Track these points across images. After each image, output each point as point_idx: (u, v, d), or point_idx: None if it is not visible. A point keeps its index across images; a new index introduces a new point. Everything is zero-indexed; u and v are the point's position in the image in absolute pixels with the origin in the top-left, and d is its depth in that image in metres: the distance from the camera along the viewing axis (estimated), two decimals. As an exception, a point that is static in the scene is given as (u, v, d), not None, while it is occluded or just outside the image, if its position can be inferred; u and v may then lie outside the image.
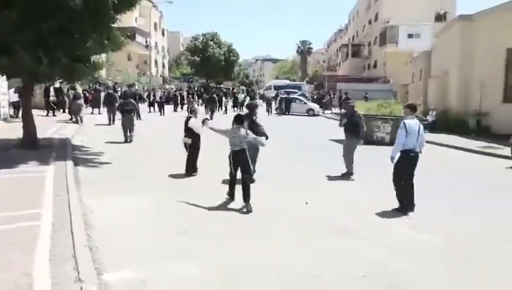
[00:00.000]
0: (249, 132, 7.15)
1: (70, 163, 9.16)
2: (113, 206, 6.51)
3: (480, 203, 7.75)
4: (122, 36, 11.63)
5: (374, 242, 5.45)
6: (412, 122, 6.85)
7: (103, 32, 10.49)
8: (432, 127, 17.97)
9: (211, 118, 23.11)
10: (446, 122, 19.51)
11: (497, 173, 11.19)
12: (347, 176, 9.53)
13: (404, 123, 6.82)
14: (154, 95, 28.97)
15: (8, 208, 5.65)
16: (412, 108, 7.16)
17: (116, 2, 9.81)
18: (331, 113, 30.41)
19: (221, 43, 58.32)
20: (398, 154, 6.91)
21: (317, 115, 29.51)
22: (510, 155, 12.09)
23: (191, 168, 8.98)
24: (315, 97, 37.28)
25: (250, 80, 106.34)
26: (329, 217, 6.50)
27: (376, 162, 11.02)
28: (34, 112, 11.70)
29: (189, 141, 8.87)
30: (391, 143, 14.68)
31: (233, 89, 48.12)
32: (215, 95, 28.22)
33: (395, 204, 6.91)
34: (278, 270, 4.48)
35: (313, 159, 12.10)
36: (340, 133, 15.40)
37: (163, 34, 64.00)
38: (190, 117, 9.03)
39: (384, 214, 6.70)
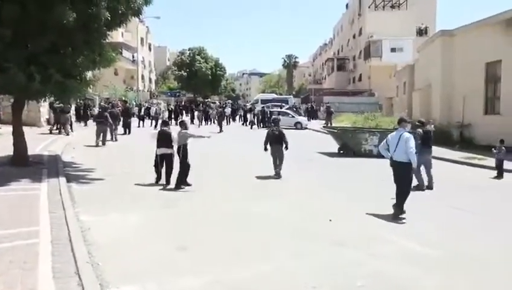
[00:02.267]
0: (188, 131, 9.52)
1: (63, 180, 9.12)
2: (110, 223, 6.54)
3: (469, 213, 8.02)
4: (113, 52, 11.75)
5: (368, 252, 5.61)
6: (394, 134, 7.62)
7: (95, 49, 10.59)
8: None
9: (221, 131, 24.44)
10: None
11: (483, 183, 11.56)
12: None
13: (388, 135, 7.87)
14: (148, 109, 29.18)
15: (6, 226, 5.63)
16: (398, 122, 7.97)
17: (109, 18, 9.92)
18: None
19: (208, 58, 58.81)
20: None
21: (305, 128, 29.83)
22: (494, 166, 12.47)
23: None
24: (308, 109, 37.98)
25: (236, 94, 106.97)
26: (324, 228, 6.66)
27: (365, 173, 11.30)
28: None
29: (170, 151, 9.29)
30: (379, 155, 15.25)
31: (220, 102, 48.53)
32: (225, 110, 29.96)
33: (384, 212, 7.27)
34: (278, 282, 4.59)
35: (309, 171, 12.31)
36: (327, 146, 15.67)
37: (150, 49, 64.13)
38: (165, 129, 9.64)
39: (375, 224, 6.89)
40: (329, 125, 28.14)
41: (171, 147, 9.31)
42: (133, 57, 50.70)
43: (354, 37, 52.27)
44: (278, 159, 11.06)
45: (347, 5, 57.19)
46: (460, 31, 20.19)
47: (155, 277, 4.55)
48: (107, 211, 7.13)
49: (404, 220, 7.13)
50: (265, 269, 4.90)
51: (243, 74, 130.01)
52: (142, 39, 56.84)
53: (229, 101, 59.91)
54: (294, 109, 37.54)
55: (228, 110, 32.85)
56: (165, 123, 10.30)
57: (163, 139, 9.32)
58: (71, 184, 9.08)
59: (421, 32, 43.56)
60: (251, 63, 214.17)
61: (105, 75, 40.77)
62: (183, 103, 46.14)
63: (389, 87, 36.64)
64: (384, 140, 7.84)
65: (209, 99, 58.03)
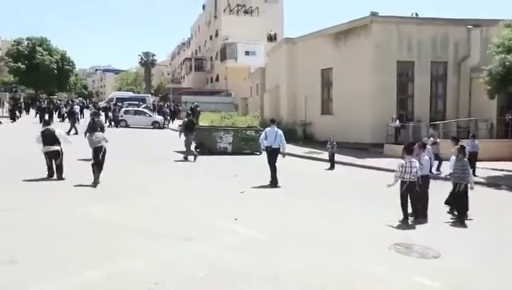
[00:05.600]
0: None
1: None
2: None
3: (301, 199, 9.06)
4: None
5: (209, 243, 5.81)
6: (270, 130, 10.66)
7: None
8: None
9: (76, 132, 20.31)
10: (279, 132, 21.92)
11: (319, 174, 13.19)
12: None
13: None
14: None
15: None
16: (271, 121, 11.12)
17: None
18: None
19: (52, 50, 52.52)
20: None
21: (164, 128, 29.24)
22: (327, 158, 14.37)
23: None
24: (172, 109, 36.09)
25: (89, 91, 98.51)
26: (165, 223, 6.70)
27: (220, 170, 11.70)
28: None
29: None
30: (233, 153, 16.04)
31: (68, 100, 43.96)
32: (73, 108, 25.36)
33: (232, 205, 7.72)
34: (119, 282, 4.41)
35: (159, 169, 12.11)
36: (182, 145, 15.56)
37: (-26, 35, 54.05)
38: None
39: (219, 216, 7.20)
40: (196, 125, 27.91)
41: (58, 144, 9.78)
42: None
43: (210, 38, 53.55)
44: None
45: (204, 6, 58.21)
46: (301, 39, 22.63)
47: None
48: None
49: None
50: (100, 275, 4.63)
51: (96, 70, 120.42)
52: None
53: (80, 98, 54.91)
54: (157, 108, 36.14)
55: (77, 108, 30.04)
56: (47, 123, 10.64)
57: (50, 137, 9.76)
58: None
59: (271, 38, 47.20)
60: (105, 59, 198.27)
61: None
62: (21, 100, 40.32)
63: (244, 88, 38.72)
64: (263, 133, 10.93)
65: (55, 96, 52.06)
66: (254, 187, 10.06)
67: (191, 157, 14.19)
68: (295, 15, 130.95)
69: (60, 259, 5.05)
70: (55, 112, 29.58)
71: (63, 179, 9.62)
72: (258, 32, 45.80)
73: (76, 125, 20.56)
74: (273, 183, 10.31)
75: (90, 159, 9.51)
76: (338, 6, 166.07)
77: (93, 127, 12.70)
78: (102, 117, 22.84)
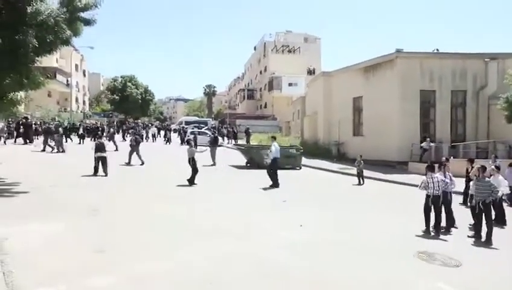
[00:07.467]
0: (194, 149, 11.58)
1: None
2: (30, 232, 5.80)
3: (335, 209, 8.76)
4: (42, 76, 10.64)
5: (257, 242, 5.78)
6: (277, 145, 11.91)
7: (22, 72, 9.49)
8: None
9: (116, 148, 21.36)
10: (317, 150, 21.56)
11: (349, 187, 12.74)
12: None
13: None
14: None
15: None
16: (274, 138, 12.70)
17: (36, 46, 8.99)
18: (233, 144, 30.84)
19: (138, 85, 56.13)
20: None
21: (221, 146, 29.80)
22: (356, 174, 13.80)
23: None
24: (229, 130, 36.57)
25: (164, 116, 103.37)
26: (219, 223, 6.74)
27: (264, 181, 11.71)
28: None
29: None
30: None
31: (148, 123, 46.46)
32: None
33: (271, 210, 7.78)
34: (180, 276, 4.49)
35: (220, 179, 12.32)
36: (238, 161, 15.81)
37: (84, 75, 59.02)
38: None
39: (261, 219, 7.15)
40: (247, 144, 28.37)
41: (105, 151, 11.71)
42: (67, 81, 46.25)
43: (260, 72, 54.38)
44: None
45: (255, 47, 59.51)
46: (336, 73, 22.30)
47: (69, 278, 4.16)
48: (28, 222, 6.33)
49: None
50: (168, 264, 4.77)
51: (170, 99, 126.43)
52: (76, 65, 52.24)
53: (158, 122, 57.81)
54: (216, 130, 36.91)
55: (154, 130, 31.67)
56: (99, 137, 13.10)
57: (101, 147, 11.69)
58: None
59: (310, 71, 46.98)
60: (177, 91, 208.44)
61: (38, 97, 36.75)
62: (115, 123, 43.22)
63: (287, 113, 38.68)
64: (273, 147, 11.79)
65: (139, 120, 55.22)
66: (295, 196, 9.93)
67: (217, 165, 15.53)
68: (331, 52, 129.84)
69: (136, 250, 5.28)
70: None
71: (106, 176, 11.31)
72: (299, 67, 45.93)
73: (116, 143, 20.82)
74: (276, 185, 11.10)
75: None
76: (368, 43, 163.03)
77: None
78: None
